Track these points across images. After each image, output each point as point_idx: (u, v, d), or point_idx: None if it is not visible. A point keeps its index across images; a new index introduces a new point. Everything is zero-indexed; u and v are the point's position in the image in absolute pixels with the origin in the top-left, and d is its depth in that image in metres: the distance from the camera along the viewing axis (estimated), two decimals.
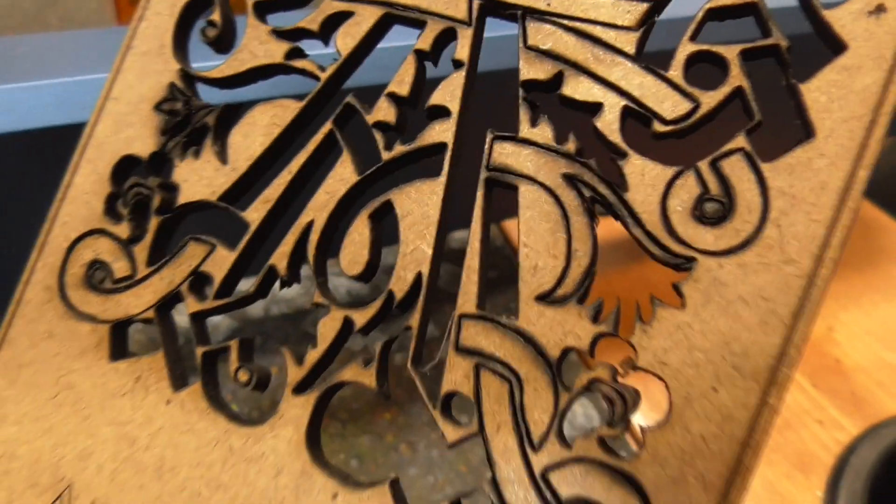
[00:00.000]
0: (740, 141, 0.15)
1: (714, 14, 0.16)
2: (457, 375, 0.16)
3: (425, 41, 0.18)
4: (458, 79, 0.17)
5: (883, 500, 0.30)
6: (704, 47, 0.16)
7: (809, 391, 0.37)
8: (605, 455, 0.15)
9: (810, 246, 0.14)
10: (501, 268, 0.38)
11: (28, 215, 0.27)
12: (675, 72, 0.16)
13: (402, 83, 0.18)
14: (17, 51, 0.26)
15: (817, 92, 0.15)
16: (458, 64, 0.17)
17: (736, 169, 0.15)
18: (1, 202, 0.27)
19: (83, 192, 0.20)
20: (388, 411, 0.33)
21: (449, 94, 0.17)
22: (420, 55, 0.18)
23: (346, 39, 0.18)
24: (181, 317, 0.19)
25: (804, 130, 0.15)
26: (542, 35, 0.17)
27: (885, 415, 0.33)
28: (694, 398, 0.14)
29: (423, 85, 0.18)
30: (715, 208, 0.15)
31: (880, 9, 0.15)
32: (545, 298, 0.16)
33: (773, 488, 0.30)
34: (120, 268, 0.19)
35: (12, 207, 0.27)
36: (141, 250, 0.19)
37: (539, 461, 0.15)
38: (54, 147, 0.26)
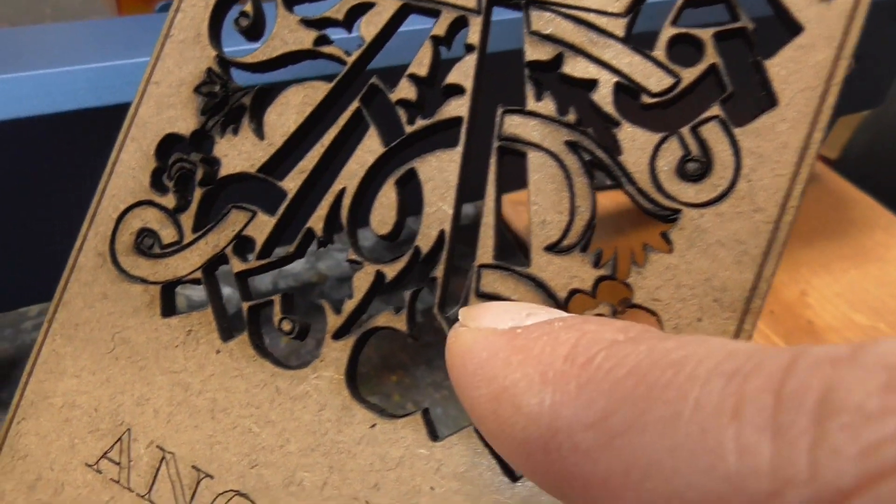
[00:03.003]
0: (716, 109, 0.18)
1: (691, 1, 0.18)
2: None
3: (440, 28, 0.20)
4: (470, 60, 0.20)
5: None
6: (683, 30, 0.18)
7: None
8: None
9: (776, 196, 0.17)
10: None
11: (69, 191, 0.29)
12: (659, 51, 0.18)
13: (420, 65, 0.20)
14: (45, 39, 0.27)
15: (778, 67, 0.17)
16: (469, 48, 0.20)
17: (713, 133, 0.18)
18: (42, 180, 0.29)
19: (129, 167, 0.22)
20: (394, 374, 0.36)
21: (463, 73, 0.20)
22: (436, 40, 0.20)
23: (368, 27, 0.20)
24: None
25: (768, 100, 0.18)
26: (544, 21, 0.19)
27: None
28: (682, 327, 0.17)
29: (440, 66, 0.20)
30: (695, 167, 0.18)
31: None
32: (553, 248, 0.18)
33: None
34: (167, 234, 0.22)
35: (53, 185, 0.29)
36: (187, 218, 0.21)
37: None
38: (89, 128, 0.28)
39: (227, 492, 0.20)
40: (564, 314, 0.14)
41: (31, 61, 0.26)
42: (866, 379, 0.09)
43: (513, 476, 0.18)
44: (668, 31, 0.18)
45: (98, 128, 0.28)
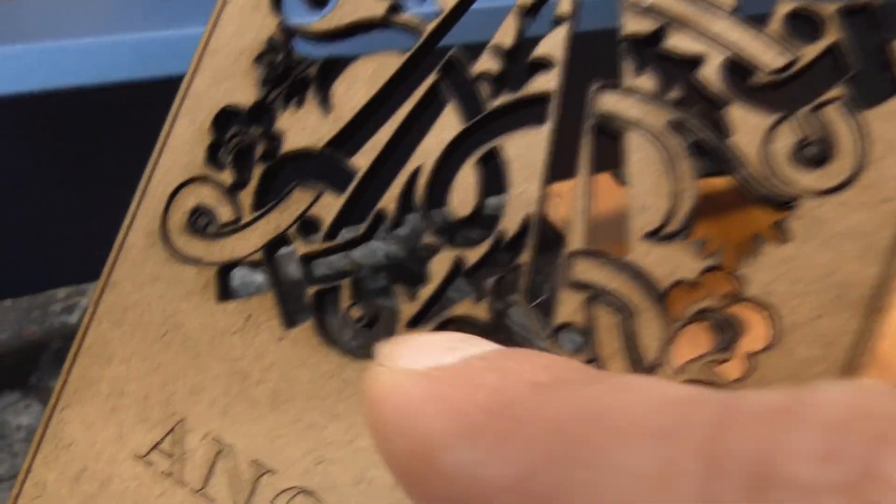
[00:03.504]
0: (839, 90, 0.16)
1: None
2: (569, 308, 0.17)
3: None
4: (561, 32, 0.18)
5: None
6: (803, 4, 0.17)
7: None
8: (714, 377, 0.16)
9: None
10: None
11: (107, 168, 0.27)
12: (774, 26, 0.17)
13: (505, 35, 0.19)
14: (91, 5, 0.26)
15: None
16: (559, 20, 0.18)
17: (835, 116, 0.16)
18: (77, 156, 0.27)
19: (183, 141, 0.21)
20: None
21: (553, 45, 0.18)
22: (522, 10, 0.19)
23: None
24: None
25: (892, 84, 0.16)
26: None
27: None
28: (798, 325, 0.16)
29: (524, 39, 0.19)
30: (815, 152, 0.16)
31: None
32: (653, 235, 0.17)
33: None
34: (224, 213, 0.20)
35: (90, 161, 0.27)
36: (245, 196, 0.20)
37: None
38: (132, 102, 0.26)
39: (290, 489, 0.18)
40: (489, 348, 0.12)
41: (74, 29, 0.25)
42: (803, 443, 0.08)
43: None
44: (785, 4, 0.17)
45: (141, 102, 0.27)
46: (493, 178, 0.19)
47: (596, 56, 0.19)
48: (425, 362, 0.12)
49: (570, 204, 0.18)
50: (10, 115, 0.26)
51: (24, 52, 0.25)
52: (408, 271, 0.40)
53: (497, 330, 0.18)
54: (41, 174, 0.29)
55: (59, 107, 0.27)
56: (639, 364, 0.17)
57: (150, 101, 0.27)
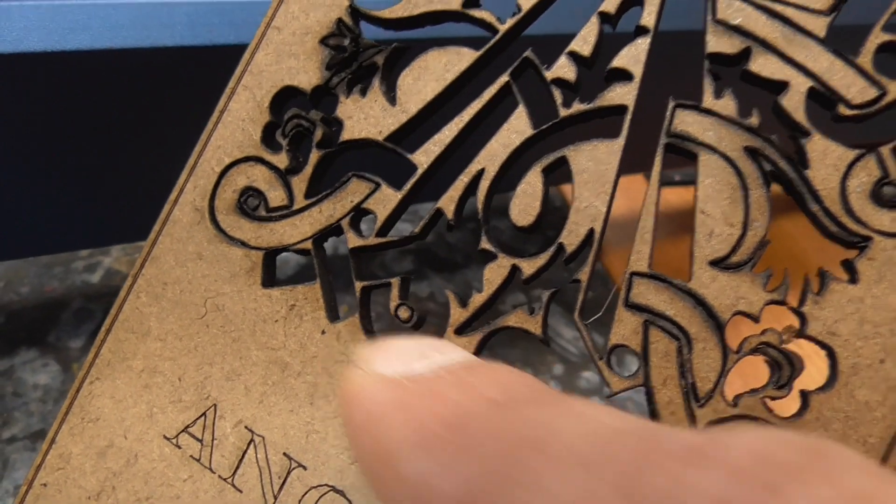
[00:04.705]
0: None
1: None
2: (625, 330, 0.17)
3: (611, 4, 0.18)
4: (642, 44, 0.18)
5: None
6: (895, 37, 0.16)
7: None
8: (769, 414, 0.16)
9: None
10: (559, 227, 0.39)
11: (147, 134, 0.27)
12: (865, 58, 0.16)
13: (584, 43, 0.18)
14: None
15: None
16: (642, 30, 0.18)
17: None
18: (125, 116, 0.27)
19: (240, 118, 0.20)
20: None
21: (633, 58, 0.18)
22: (603, 17, 0.18)
23: None
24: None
25: None
26: (733, 10, 0.17)
27: None
28: (861, 368, 0.15)
29: (602, 47, 0.18)
30: (894, 192, 0.16)
31: None
32: (719, 264, 0.17)
33: None
34: (276, 197, 0.20)
35: (136, 122, 0.27)
36: (299, 182, 0.20)
37: (704, 415, 0.16)
38: (183, 67, 0.26)
39: (321, 486, 0.18)
40: (458, 358, 0.13)
41: None
42: (707, 484, 0.09)
43: None
44: (878, 37, 0.16)
45: (188, 70, 0.26)
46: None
47: (669, 69, 0.18)
48: (397, 368, 0.13)
49: (634, 222, 0.17)
50: (54, 70, 0.26)
51: (78, 7, 0.25)
52: (434, 256, 0.40)
53: (547, 345, 0.18)
54: (75, 133, 0.29)
55: (103, 67, 0.26)
56: (694, 392, 0.16)
57: (196, 69, 0.26)
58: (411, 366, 0.13)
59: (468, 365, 0.13)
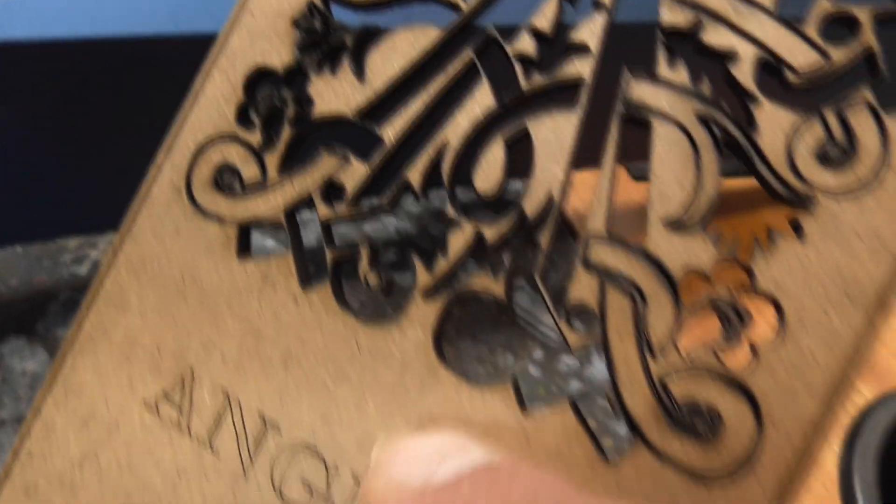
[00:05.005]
0: (865, 93, 0.17)
1: None
2: (583, 289, 0.18)
3: None
4: (599, 19, 0.18)
5: (893, 455, 0.32)
6: (840, 7, 0.17)
7: None
8: (719, 365, 0.17)
9: None
10: None
11: (127, 121, 0.28)
12: (810, 27, 0.17)
13: (544, 18, 0.19)
14: None
15: None
16: (599, 6, 0.19)
17: (860, 119, 0.16)
18: (107, 105, 0.27)
19: (214, 98, 0.21)
20: None
21: (590, 32, 0.18)
22: None
23: None
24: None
25: None
26: None
27: None
28: (806, 319, 0.16)
29: (562, 23, 0.19)
30: (838, 153, 0.16)
31: None
32: (672, 224, 0.17)
33: None
34: (250, 172, 0.20)
35: (119, 110, 0.28)
36: (272, 158, 0.20)
37: (658, 368, 0.17)
38: (165, 56, 0.26)
39: (295, 445, 0.19)
40: (480, 460, 0.13)
41: None
42: None
43: (605, 455, 0.17)
44: (822, 6, 0.17)
45: (166, 58, 0.27)
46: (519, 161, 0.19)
47: (629, 46, 0.19)
48: (418, 475, 0.13)
49: (592, 189, 0.18)
50: (38, 59, 0.27)
51: None
52: (419, 248, 0.41)
53: (510, 307, 0.18)
54: (61, 122, 0.29)
55: (88, 55, 0.27)
56: (649, 346, 0.17)
57: (177, 58, 0.27)
58: (433, 471, 0.13)
59: (491, 468, 0.13)
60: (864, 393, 0.36)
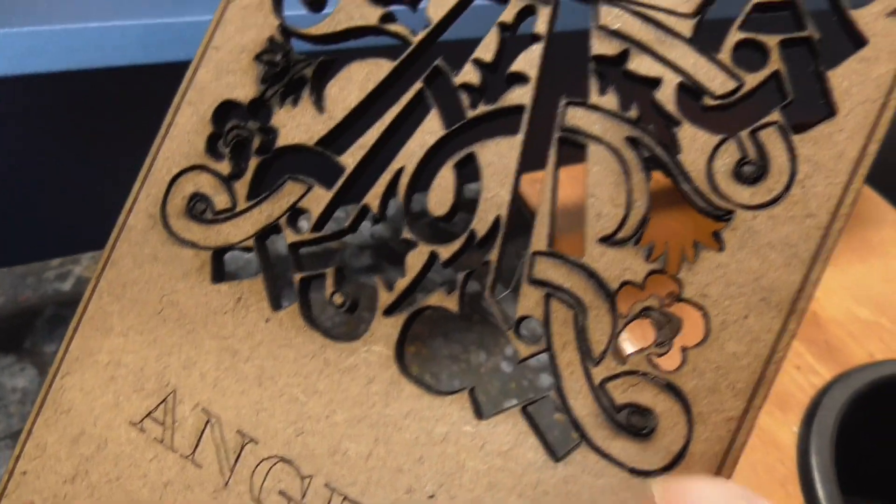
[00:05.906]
0: (776, 115, 0.18)
1: (759, 7, 0.19)
2: (529, 303, 0.19)
3: (508, 14, 0.20)
4: (536, 50, 0.20)
5: (850, 435, 0.34)
6: (751, 35, 0.19)
7: None
8: (653, 369, 0.18)
9: (827, 203, 0.18)
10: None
11: (104, 148, 0.29)
12: (724, 54, 0.19)
13: (486, 50, 0.20)
14: None
15: (841, 78, 0.18)
16: (536, 38, 0.20)
17: (771, 138, 0.18)
18: (87, 133, 0.29)
19: (185, 131, 0.22)
20: (412, 346, 0.36)
21: (528, 62, 0.20)
22: (503, 27, 0.20)
23: (436, 9, 0.21)
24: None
25: (827, 110, 0.18)
26: (612, 17, 0.19)
27: (854, 362, 0.38)
28: (729, 324, 0.18)
29: (504, 52, 0.20)
30: (752, 170, 0.18)
31: None
32: (607, 240, 0.19)
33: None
34: (220, 200, 0.22)
35: (98, 137, 0.29)
36: (241, 186, 0.22)
37: (598, 373, 0.18)
38: (138, 84, 0.28)
39: (271, 457, 0.20)
40: None
41: (82, 12, 0.26)
42: None
43: (555, 456, 0.19)
44: (734, 35, 0.19)
45: (142, 87, 0.28)
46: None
47: (564, 72, 0.21)
48: None
49: (536, 203, 0.20)
50: (17, 93, 0.28)
51: (35, 33, 0.26)
52: (391, 251, 0.42)
53: (467, 319, 0.20)
54: (42, 151, 0.30)
55: (64, 87, 0.28)
56: (589, 353, 0.19)
57: (150, 86, 0.28)
58: None
59: None
60: (821, 373, 0.38)
